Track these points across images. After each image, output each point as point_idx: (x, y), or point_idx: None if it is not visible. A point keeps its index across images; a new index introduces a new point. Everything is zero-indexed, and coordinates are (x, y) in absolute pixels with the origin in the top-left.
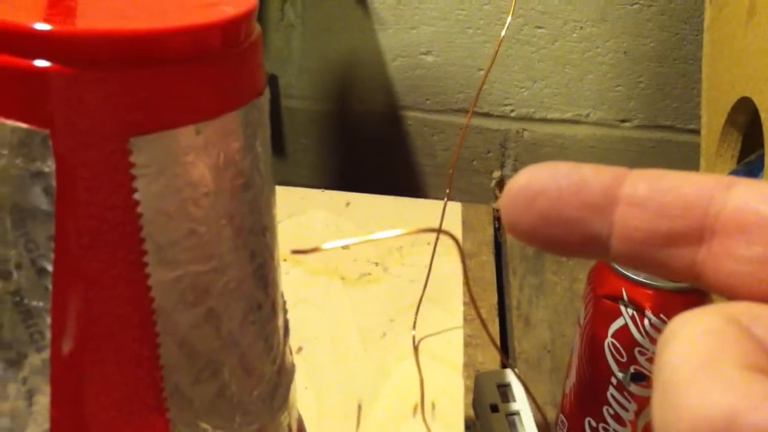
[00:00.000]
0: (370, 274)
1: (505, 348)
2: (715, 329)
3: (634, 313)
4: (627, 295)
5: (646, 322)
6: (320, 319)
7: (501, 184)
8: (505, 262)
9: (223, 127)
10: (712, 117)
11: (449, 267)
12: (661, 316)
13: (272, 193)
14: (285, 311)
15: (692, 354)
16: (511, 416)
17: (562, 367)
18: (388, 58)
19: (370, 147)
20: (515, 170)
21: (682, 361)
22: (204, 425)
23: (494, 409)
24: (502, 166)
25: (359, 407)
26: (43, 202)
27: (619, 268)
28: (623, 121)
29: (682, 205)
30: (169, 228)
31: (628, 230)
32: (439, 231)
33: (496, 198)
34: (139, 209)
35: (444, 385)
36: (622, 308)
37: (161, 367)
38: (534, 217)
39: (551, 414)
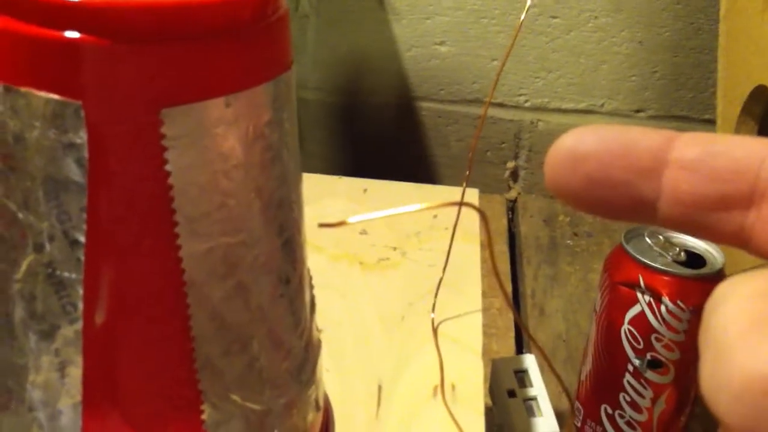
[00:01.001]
0: (388, 258)
1: (519, 337)
2: (766, 291)
3: (651, 299)
4: (644, 282)
5: (663, 308)
6: (340, 303)
7: (515, 174)
8: (519, 252)
9: (252, 99)
10: (728, 107)
11: (467, 252)
12: (679, 303)
13: (299, 168)
14: (311, 287)
15: (743, 314)
16: (529, 401)
17: (577, 357)
18: (403, 48)
19: (384, 138)
20: (529, 161)
21: (732, 321)
22: (234, 397)
23: (511, 394)
24: (515, 157)
25: (380, 388)
26: (76, 174)
27: (636, 255)
28: (638, 111)
29: (732, 169)
30: (200, 200)
31: (678, 194)
32: (461, 204)
33: (510, 189)
34: (170, 181)
35: (464, 368)
36: (639, 295)
37: (192, 339)
38: (581, 180)
39: (566, 402)
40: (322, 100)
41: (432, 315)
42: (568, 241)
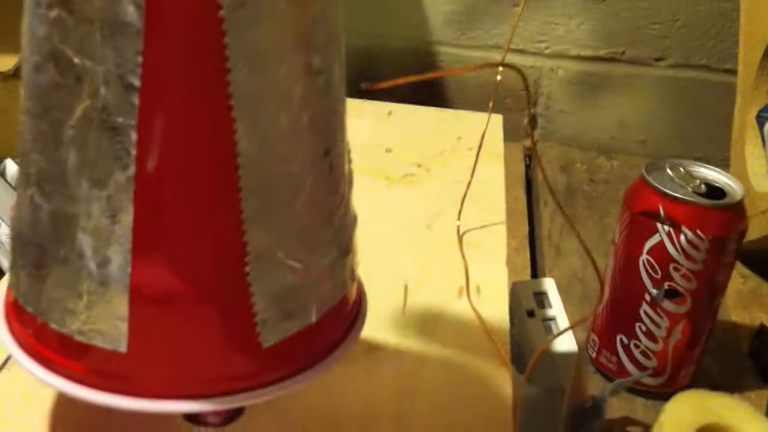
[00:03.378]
0: (413, 174)
1: (535, 275)
2: None
3: (671, 229)
4: (664, 212)
5: (682, 238)
6: (365, 211)
7: (533, 121)
8: (536, 197)
9: None
10: (749, 52)
11: (491, 170)
12: (698, 232)
13: (341, 41)
14: (350, 161)
15: None
16: (548, 321)
17: (593, 294)
18: None
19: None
20: (547, 109)
21: None
22: (279, 253)
23: (530, 314)
24: (534, 104)
25: (406, 288)
26: (133, 16)
27: (657, 186)
28: (658, 59)
29: None
30: (252, 43)
31: None
32: (502, 65)
33: (528, 135)
34: (225, 26)
35: (488, 272)
36: (659, 225)
37: (240, 189)
38: None
39: (581, 336)
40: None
41: (457, 223)
42: (585, 187)
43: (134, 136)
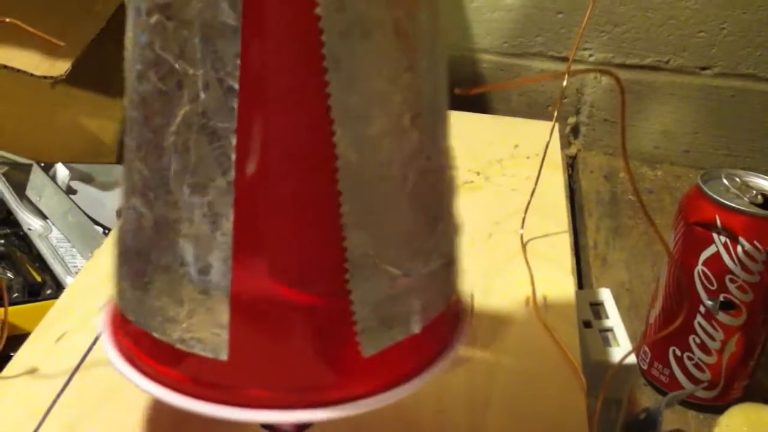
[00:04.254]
0: (472, 182)
1: (581, 286)
2: None
3: (728, 240)
4: (720, 222)
5: (739, 249)
6: None
7: (575, 130)
8: (580, 205)
9: None
10: None
11: (551, 179)
12: (755, 243)
13: (444, 42)
14: (452, 167)
15: None
16: (605, 332)
17: (641, 305)
18: None
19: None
20: (590, 117)
21: None
22: (379, 260)
23: (587, 325)
24: (577, 113)
25: (472, 296)
26: (231, 18)
27: (714, 196)
28: (704, 68)
29: None
30: (350, 40)
31: None
32: (601, 71)
33: (570, 144)
34: (321, 24)
35: (554, 282)
36: (715, 236)
37: (339, 193)
38: None
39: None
40: None
41: (521, 231)
42: (630, 197)
43: (234, 140)
